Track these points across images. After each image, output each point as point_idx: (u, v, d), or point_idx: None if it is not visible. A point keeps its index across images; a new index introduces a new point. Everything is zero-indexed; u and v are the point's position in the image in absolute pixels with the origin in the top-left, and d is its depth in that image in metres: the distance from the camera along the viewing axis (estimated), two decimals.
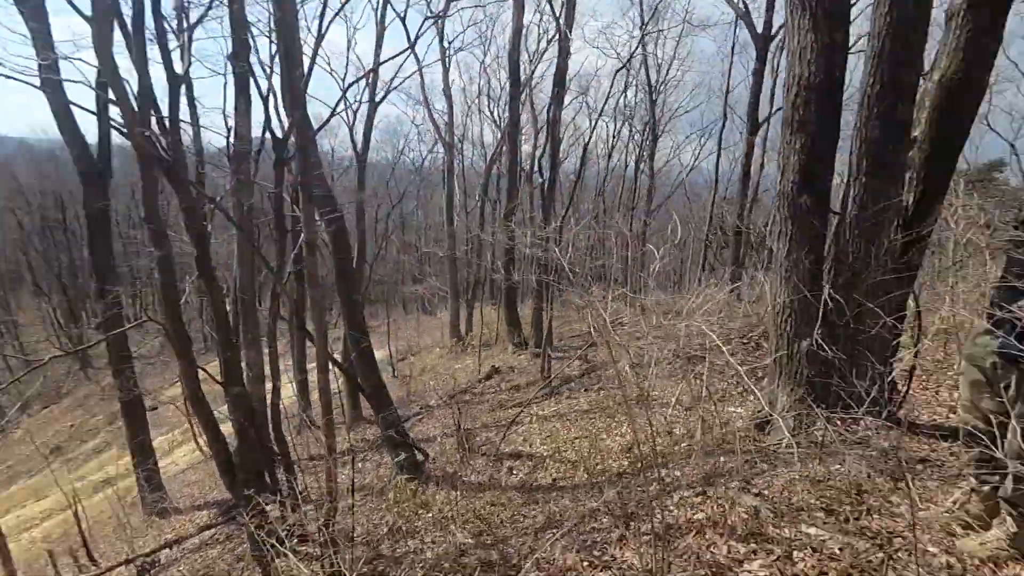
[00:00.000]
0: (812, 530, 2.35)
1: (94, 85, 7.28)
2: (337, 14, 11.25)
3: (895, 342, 3.80)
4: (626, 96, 20.02)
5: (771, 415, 3.94)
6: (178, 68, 6.78)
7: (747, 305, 8.65)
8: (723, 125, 15.63)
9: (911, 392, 4.37)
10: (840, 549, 2.21)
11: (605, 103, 18.24)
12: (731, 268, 12.80)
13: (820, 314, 3.50)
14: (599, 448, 4.41)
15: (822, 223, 3.60)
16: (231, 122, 7.28)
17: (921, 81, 3.48)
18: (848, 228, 3.53)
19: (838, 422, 3.64)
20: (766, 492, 2.72)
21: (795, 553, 2.18)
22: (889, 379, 3.41)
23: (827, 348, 3.48)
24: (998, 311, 2.17)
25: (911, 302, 4.08)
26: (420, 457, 6.09)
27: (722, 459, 3.31)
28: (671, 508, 2.61)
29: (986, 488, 2.34)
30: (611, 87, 17.68)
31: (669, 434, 4.50)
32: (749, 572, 2.05)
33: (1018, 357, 2.06)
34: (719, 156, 15.87)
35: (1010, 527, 2.21)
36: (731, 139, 18.84)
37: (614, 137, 22.57)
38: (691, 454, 3.72)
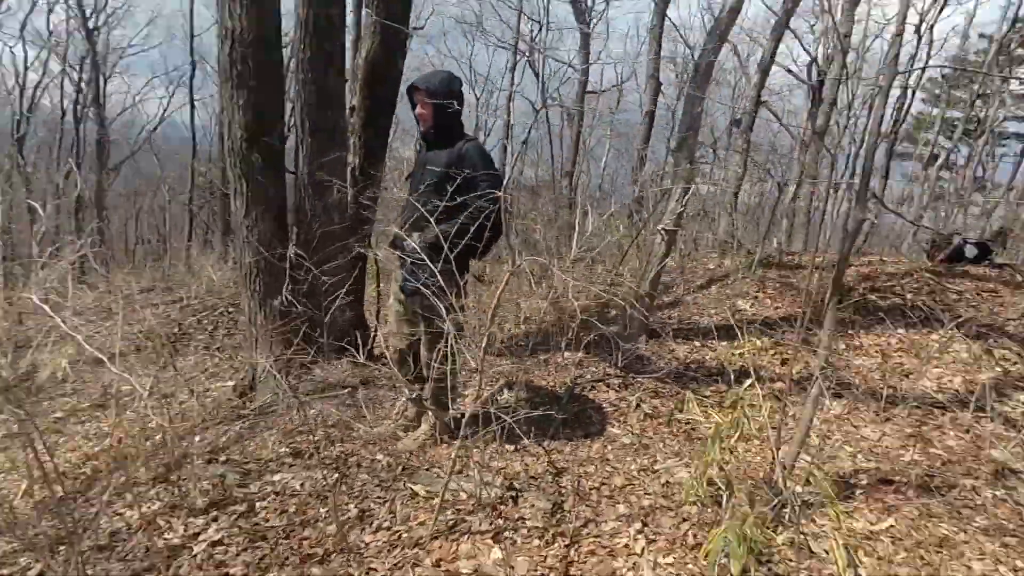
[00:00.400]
0: (277, 476, 2.59)
1: None
2: None
3: (355, 288, 4.49)
4: (49, 21, 15.97)
5: (254, 379, 4.09)
6: None
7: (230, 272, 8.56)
8: (192, 74, 14.68)
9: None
10: (301, 484, 2.53)
11: None
12: (223, 236, 12.39)
13: (288, 271, 3.80)
14: (33, 476, 3.52)
15: (278, 181, 3.85)
16: None
17: None
18: (304, 186, 3.91)
19: (318, 370, 4.12)
20: (237, 456, 2.81)
21: (257, 504, 2.36)
22: (343, 318, 4.01)
23: (296, 303, 3.84)
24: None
25: (369, 252, 4.91)
26: None
27: (196, 439, 3.22)
28: (121, 511, 2.36)
29: (414, 395, 3.12)
30: None
31: (141, 430, 4.04)
32: (205, 540, 2.09)
33: (409, 289, 2.78)
34: (193, 109, 14.86)
35: (431, 420, 3.03)
36: (207, 91, 17.83)
37: (27, 68, 17.69)
38: (163, 444, 3.46)
